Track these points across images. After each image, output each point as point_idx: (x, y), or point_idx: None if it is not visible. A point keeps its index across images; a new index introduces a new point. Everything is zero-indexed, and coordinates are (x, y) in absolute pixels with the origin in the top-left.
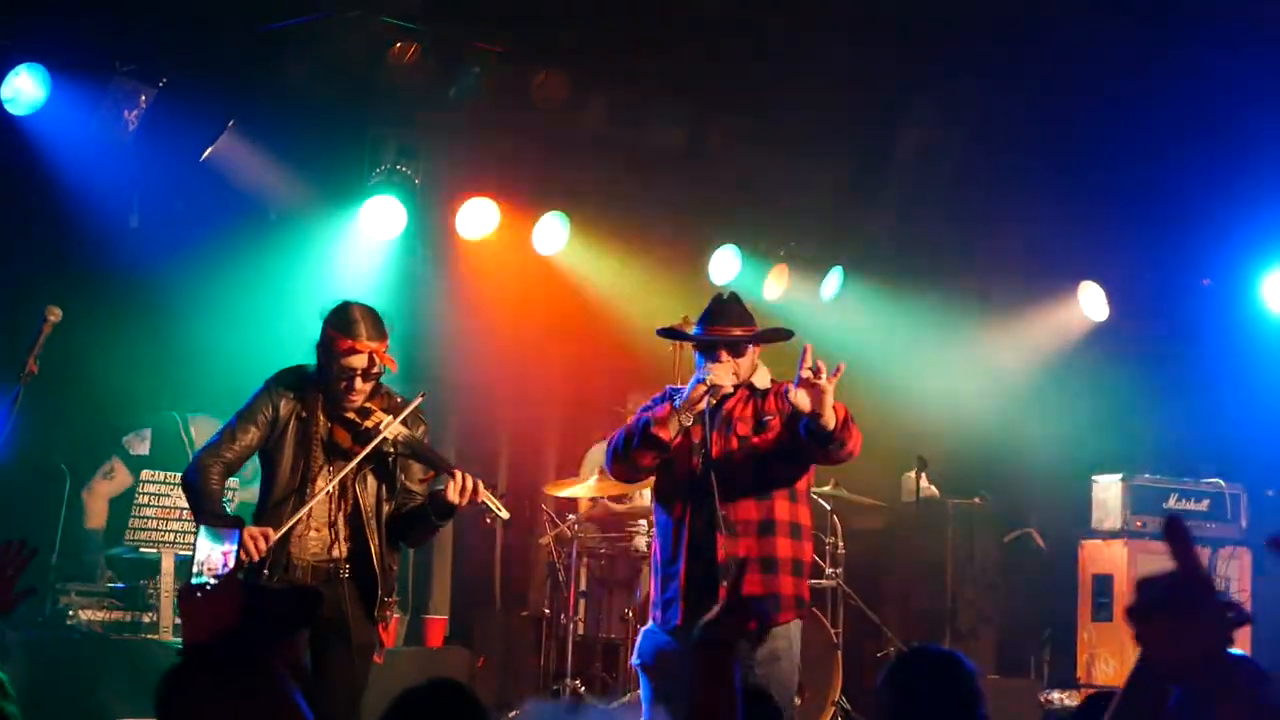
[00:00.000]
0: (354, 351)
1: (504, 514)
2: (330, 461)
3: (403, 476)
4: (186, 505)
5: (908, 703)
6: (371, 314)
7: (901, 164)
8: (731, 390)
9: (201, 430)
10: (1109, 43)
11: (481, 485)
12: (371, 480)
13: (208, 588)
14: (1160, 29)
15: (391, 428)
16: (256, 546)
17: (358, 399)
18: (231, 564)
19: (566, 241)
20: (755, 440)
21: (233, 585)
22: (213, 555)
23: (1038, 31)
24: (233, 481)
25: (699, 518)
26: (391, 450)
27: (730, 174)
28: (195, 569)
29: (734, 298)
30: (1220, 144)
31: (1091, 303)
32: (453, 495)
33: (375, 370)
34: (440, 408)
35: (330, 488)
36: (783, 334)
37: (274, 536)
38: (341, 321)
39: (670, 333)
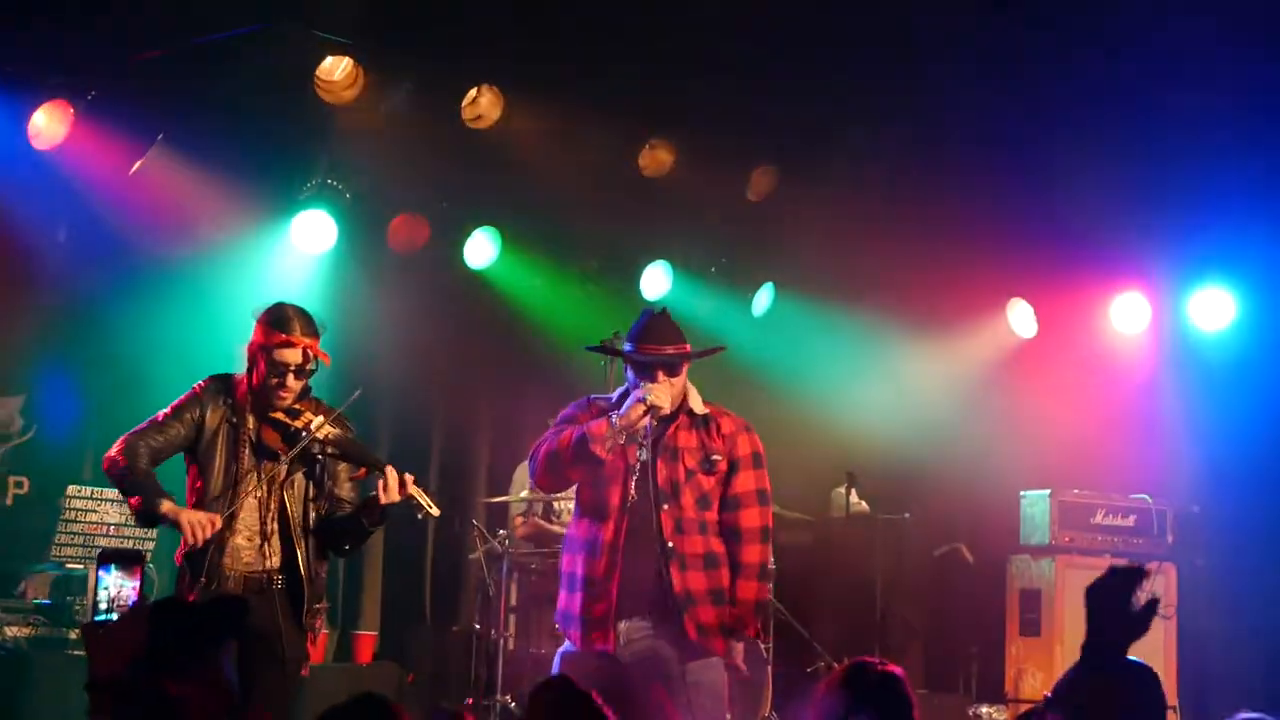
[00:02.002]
0: (288, 345)
1: (434, 510)
2: (260, 465)
3: (331, 484)
4: (114, 521)
5: (846, 715)
6: (304, 313)
7: (830, 180)
8: (668, 414)
9: None
10: (1037, 62)
11: (412, 480)
12: (299, 485)
13: (111, 622)
14: (1088, 46)
15: (323, 428)
16: (202, 532)
17: (288, 396)
18: (134, 600)
19: (497, 256)
20: (702, 477)
21: (139, 620)
22: (123, 591)
23: (965, 49)
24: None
25: (635, 541)
26: (321, 451)
27: (662, 190)
28: (104, 606)
29: (666, 314)
30: (1149, 162)
31: (1020, 319)
32: (384, 495)
33: (309, 366)
34: (371, 423)
35: (259, 491)
36: (715, 351)
37: (218, 523)
38: (275, 318)
39: (604, 349)
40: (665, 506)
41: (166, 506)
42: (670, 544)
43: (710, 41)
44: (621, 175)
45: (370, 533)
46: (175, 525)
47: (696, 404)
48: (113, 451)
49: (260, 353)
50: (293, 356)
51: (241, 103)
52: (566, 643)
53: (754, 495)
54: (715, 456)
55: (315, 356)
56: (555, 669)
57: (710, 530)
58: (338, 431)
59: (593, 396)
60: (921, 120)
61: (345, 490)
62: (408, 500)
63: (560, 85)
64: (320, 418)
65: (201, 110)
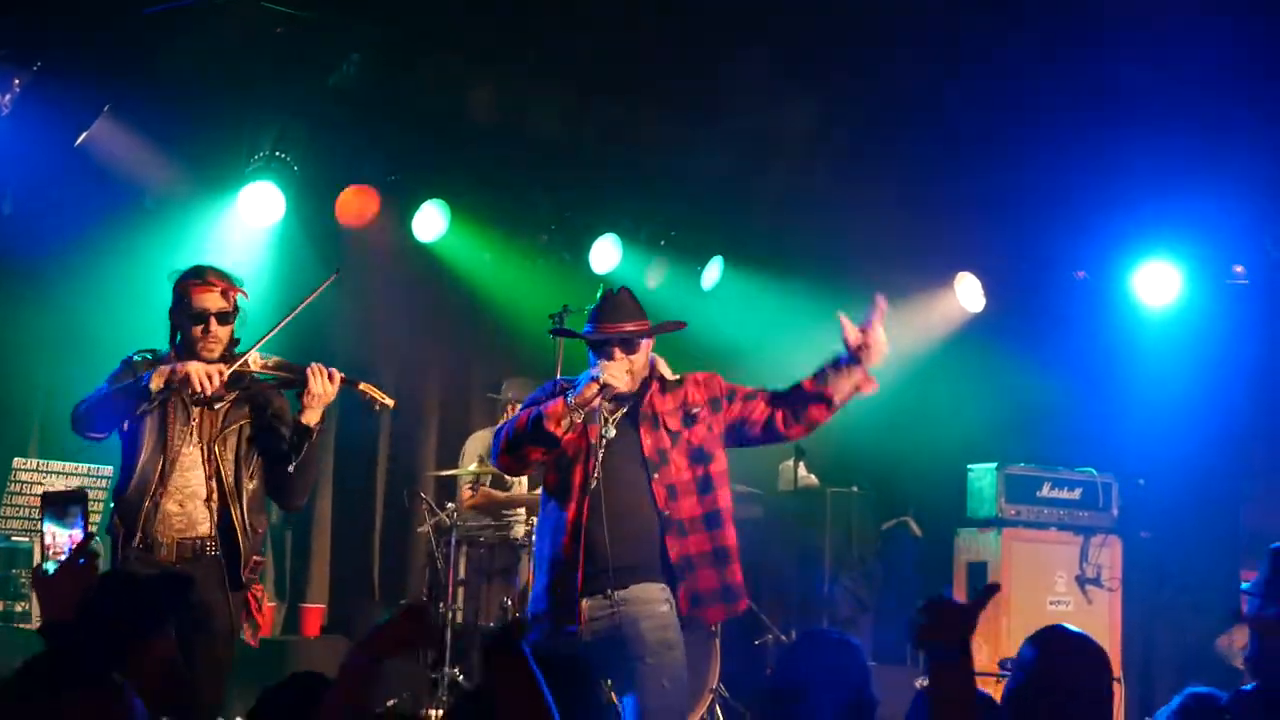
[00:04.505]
0: (205, 286)
1: (389, 401)
2: (195, 422)
3: (273, 435)
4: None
5: (801, 683)
6: (217, 267)
7: (781, 154)
8: (626, 391)
9: None
10: (984, 37)
11: (353, 379)
12: (231, 442)
13: (58, 566)
14: (1034, 25)
15: (258, 360)
16: (209, 382)
17: (216, 346)
18: (78, 543)
19: (446, 229)
20: (688, 434)
21: (84, 556)
22: (58, 538)
23: (914, 26)
24: (107, 469)
25: (599, 518)
26: (262, 388)
27: (612, 162)
28: (43, 553)
29: (625, 291)
30: (1094, 138)
31: (968, 294)
32: (315, 386)
33: (231, 309)
34: None
35: (192, 448)
36: (676, 326)
37: (225, 372)
38: (188, 270)
39: (563, 332)
40: (655, 475)
41: (163, 368)
42: (666, 512)
43: (657, 18)
44: (571, 147)
45: (310, 436)
46: (183, 382)
47: (667, 371)
48: (79, 410)
49: (180, 306)
50: (210, 300)
51: (190, 73)
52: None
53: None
54: (695, 409)
55: (235, 297)
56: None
57: (715, 485)
58: (275, 358)
59: (559, 379)
60: (871, 96)
61: (286, 431)
62: (360, 397)
63: (510, 57)
64: (254, 353)
65: (148, 81)
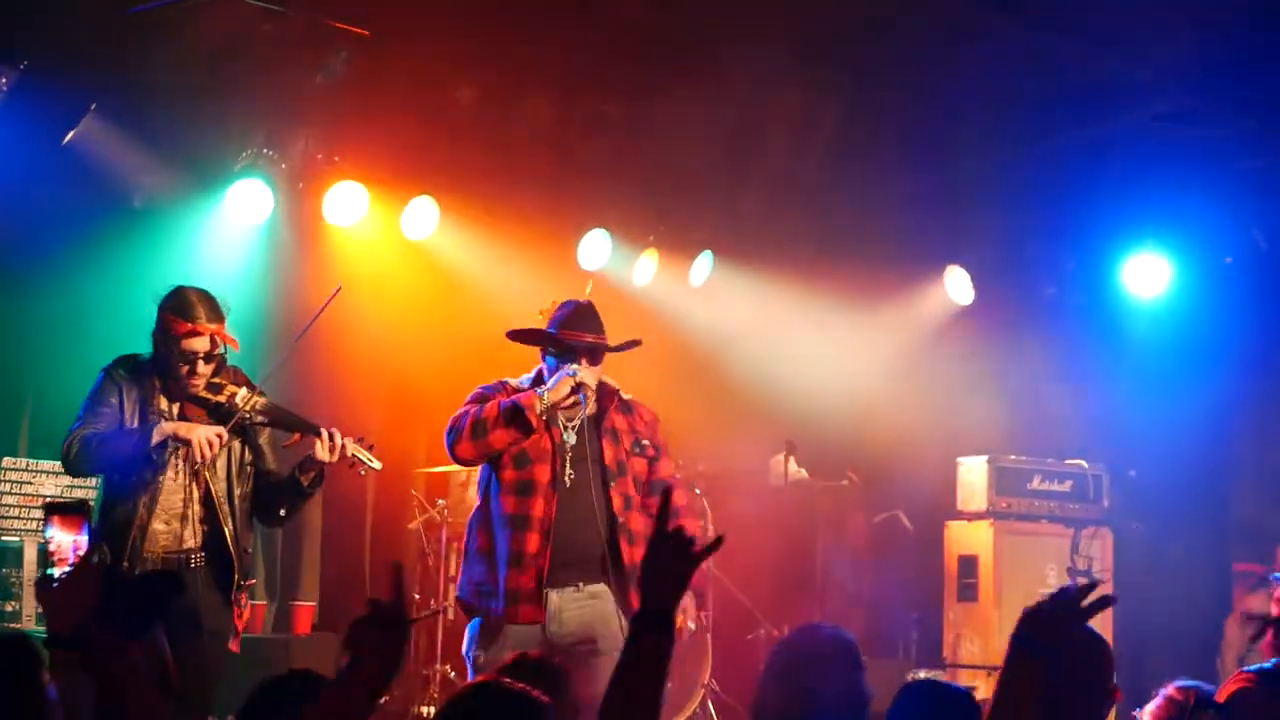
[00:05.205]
0: (194, 334)
1: (375, 464)
2: (180, 447)
3: (254, 457)
4: (50, 493)
5: (794, 678)
6: (208, 297)
7: (770, 149)
8: (591, 394)
9: None
10: (974, 30)
11: (350, 440)
12: (220, 463)
13: (63, 576)
14: (1024, 19)
15: (250, 399)
16: (210, 449)
17: (200, 382)
18: (83, 551)
19: (436, 226)
20: (635, 459)
21: (88, 570)
22: (63, 545)
23: (905, 19)
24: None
25: (568, 517)
26: (251, 422)
27: (600, 158)
28: (47, 561)
29: (591, 305)
30: (1083, 131)
31: (957, 286)
32: (322, 454)
33: (217, 352)
34: (309, 395)
35: (179, 474)
36: (634, 344)
37: (224, 436)
38: (178, 305)
39: (523, 335)
40: (613, 484)
41: (166, 427)
42: (620, 520)
43: (647, 13)
44: (560, 142)
45: (309, 495)
46: (184, 445)
47: (621, 390)
48: (72, 450)
49: (166, 339)
50: (200, 345)
51: (176, 71)
52: (477, 619)
53: (675, 480)
54: (645, 441)
55: (223, 342)
56: (473, 640)
57: (647, 511)
58: (264, 400)
59: (506, 380)
60: (861, 90)
61: (271, 461)
62: (350, 460)
63: (498, 52)
64: (244, 389)
65: (135, 80)
